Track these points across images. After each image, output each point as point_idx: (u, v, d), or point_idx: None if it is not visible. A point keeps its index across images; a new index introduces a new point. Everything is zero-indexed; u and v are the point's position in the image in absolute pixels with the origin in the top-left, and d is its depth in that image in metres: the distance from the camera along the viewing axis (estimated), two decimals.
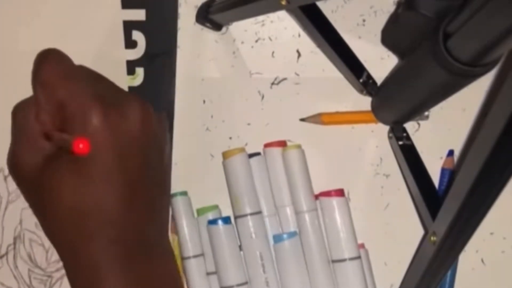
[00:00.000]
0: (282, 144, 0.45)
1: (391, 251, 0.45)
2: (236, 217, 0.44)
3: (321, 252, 0.43)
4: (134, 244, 0.39)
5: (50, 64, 0.40)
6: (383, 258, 0.45)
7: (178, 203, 0.44)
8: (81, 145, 0.35)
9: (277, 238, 0.43)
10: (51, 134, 0.39)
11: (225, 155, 0.44)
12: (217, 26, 0.47)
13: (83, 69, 0.41)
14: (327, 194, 0.43)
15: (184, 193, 0.45)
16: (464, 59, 0.33)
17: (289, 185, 0.44)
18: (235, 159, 0.44)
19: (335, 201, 0.43)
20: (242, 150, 0.44)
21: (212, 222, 0.43)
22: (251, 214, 0.43)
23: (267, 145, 0.45)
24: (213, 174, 0.46)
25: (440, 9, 0.35)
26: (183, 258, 0.44)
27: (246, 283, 0.43)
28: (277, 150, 0.44)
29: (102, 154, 0.37)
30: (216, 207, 0.45)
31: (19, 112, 0.41)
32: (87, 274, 0.38)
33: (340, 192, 0.43)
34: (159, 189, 0.42)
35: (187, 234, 0.44)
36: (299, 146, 0.44)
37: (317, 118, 0.46)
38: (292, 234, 0.43)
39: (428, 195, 0.41)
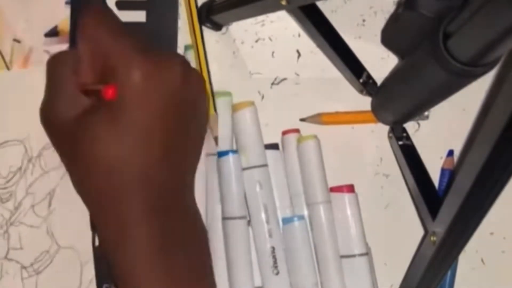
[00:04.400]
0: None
1: (391, 251, 0.45)
2: (243, 169, 0.44)
3: (333, 245, 0.43)
4: (165, 203, 0.38)
5: (95, 17, 0.39)
6: (383, 258, 0.45)
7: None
8: (110, 91, 0.35)
9: (287, 220, 0.43)
10: (89, 88, 0.39)
11: (235, 107, 0.44)
12: (217, 26, 0.47)
13: (125, 25, 0.41)
14: (339, 189, 0.43)
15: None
16: (464, 59, 0.33)
17: (302, 176, 0.44)
18: (244, 112, 0.44)
19: (347, 196, 0.43)
20: (252, 103, 0.44)
21: (222, 154, 0.43)
22: (258, 166, 0.43)
23: (285, 133, 0.45)
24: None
25: (440, 9, 0.35)
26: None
27: (245, 217, 0.43)
28: (294, 136, 0.45)
29: (141, 108, 0.36)
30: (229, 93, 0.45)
31: (57, 63, 0.40)
32: (115, 230, 0.37)
33: (351, 188, 0.44)
34: (194, 150, 0.41)
35: None
36: (315, 137, 0.44)
37: (317, 118, 0.46)
38: (301, 217, 0.43)
39: (428, 195, 0.41)
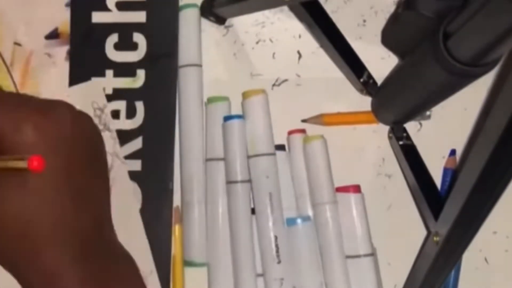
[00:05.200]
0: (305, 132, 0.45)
1: (395, 252, 0.45)
2: (249, 157, 0.44)
3: (339, 245, 0.43)
4: (89, 246, 0.38)
5: None
6: (387, 259, 0.45)
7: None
8: (35, 163, 0.33)
9: (291, 221, 0.43)
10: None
11: (246, 94, 0.45)
12: (220, 20, 0.47)
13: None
14: (345, 189, 0.43)
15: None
16: (464, 59, 0.33)
17: (308, 176, 0.44)
18: (254, 99, 0.44)
19: (353, 197, 0.43)
20: (262, 91, 0.45)
21: (228, 118, 0.44)
22: (266, 154, 0.43)
23: (290, 133, 0.45)
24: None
25: (440, 9, 0.35)
26: None
27: (249, 181, 0.44)
28: (300, 136, 0.45)
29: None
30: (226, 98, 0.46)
31: None
32: (42, 282, 0.36)
33: (357, 188, 0.44)
34: (103, 185, 0.41)
35: None
36: (321, 137, 0.44)
37: (319, 119, 0.46)
38: (306, 218, 0.43)
39: (429, 195, 0.41)
